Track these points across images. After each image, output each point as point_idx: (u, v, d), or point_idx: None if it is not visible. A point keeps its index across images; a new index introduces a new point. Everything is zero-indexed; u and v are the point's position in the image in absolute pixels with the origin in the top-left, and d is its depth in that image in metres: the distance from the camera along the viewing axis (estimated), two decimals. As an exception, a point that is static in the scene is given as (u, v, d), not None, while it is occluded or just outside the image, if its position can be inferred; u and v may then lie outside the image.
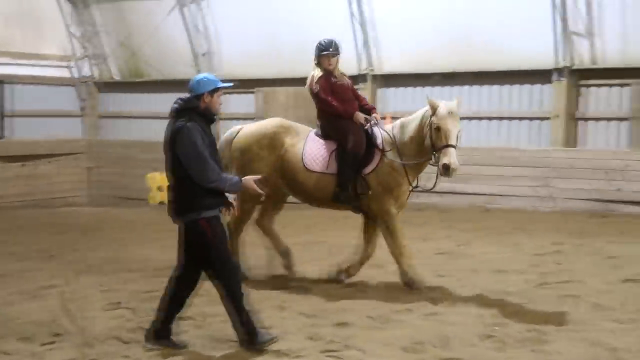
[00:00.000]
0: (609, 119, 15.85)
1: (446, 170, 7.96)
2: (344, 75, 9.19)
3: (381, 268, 9.58)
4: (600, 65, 15.73)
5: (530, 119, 16.69)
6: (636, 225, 13.56)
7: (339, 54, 9.04)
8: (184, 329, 6.85)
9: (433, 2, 16.92)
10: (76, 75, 23.27)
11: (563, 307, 7.70)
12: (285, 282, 9.09)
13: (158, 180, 19.39)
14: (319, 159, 8.78)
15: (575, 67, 15.89)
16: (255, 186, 6.21)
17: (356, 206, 8.91)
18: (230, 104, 20.71)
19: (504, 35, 16.28)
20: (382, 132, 8.83)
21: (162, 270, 9.81)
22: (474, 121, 17.26)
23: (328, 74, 8.88)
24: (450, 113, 8.06)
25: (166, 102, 21.43)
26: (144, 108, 22.42)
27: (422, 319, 7.31)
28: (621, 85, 15.53)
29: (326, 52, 8.88)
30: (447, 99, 18.55)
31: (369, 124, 8.78)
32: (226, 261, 6.15)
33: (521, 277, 9.25)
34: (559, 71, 15.87)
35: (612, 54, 15.63)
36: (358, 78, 17.98)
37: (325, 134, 8.95)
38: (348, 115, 8.75)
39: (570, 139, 16.10)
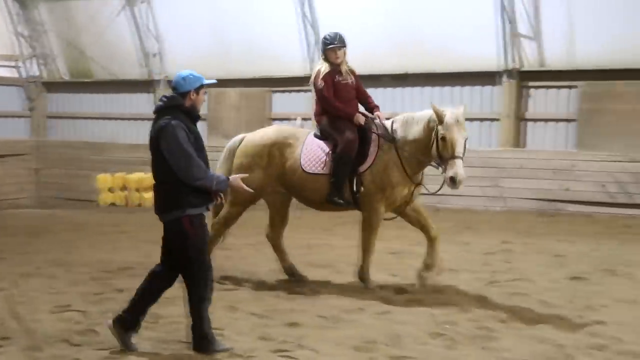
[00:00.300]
0: (556, 120, 16.12)
1: (453, 183, 7.86)
2: (351, 72, 8.89)
3: (331, 267, 9.60)
4: (547, 67, 15.99)
5: (480, 120, 16.88)
6: (583, 224, 13.84)
7: (345, 47, 8.76)
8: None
9: (382, 4, 17.00)
10: (24, 75, 22.95)
11: (512, 305, 7.81)
12: (237, 282, 9.02)
13: (109, 182, 19.20)
14: (315, 160, 8.61)
15: (522, 69, 16.15)
16: (242, 185, 6.10)
17: (357, 205, 8.75)
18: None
19: (453, 38, 16.45)
20: (381, 128, 8.63)
21: (113, 272, 9.77)
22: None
23: (333, 71, 8.66)
24: (457, 122, 7.85)
25: (115, 102, 21.53)
26: (93, 109, 22.17)
27: (373, 318, 7.32)
28: (568, 87, 15.81)
29: (332, 45, 8.67)
30: (398, 100, 18.83)
31: (366, 124, 8.62)
32: (202, 263, 6.06)
33: (472, 276, 9.34)
34: (507, 73, 16.10)
35: (558, 56, 15.90)
36: (309, 78, 18.01)
37: (324, 135, 8.77)
38: (348, 117, 8.57)
39: (518, 140, 16.33)
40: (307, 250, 11.27)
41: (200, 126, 19.91)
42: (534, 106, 16.33)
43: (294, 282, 8.94)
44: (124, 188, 19.30)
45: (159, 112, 6.05)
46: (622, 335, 6.64)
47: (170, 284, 6.32)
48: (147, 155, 16.90)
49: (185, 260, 6.03)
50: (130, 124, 21.60)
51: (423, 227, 8.84)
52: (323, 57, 8.83)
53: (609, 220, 14.06)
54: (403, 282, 8.91)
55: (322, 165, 8.54)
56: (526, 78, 16.27)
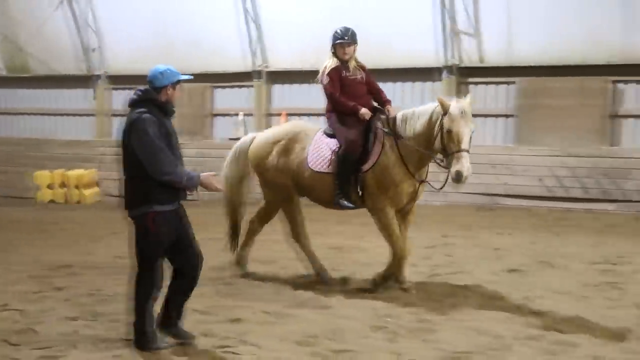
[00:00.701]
0: (495, 116, 16.35)
1: (459, 177, 7.50)
2: (360, 67, 8.53)
3: (274, 263, 9.58)
4: (486, 63, 16.18)
5: (420, 114, 17.00)
6: (521, 217, 14.08)
7: (355, 43, 8.41)
8: (73, 329, 6.68)
9: (323, 0, 16.99)
10: (-41, 70, 22.36)
11: (452, 298, 7.91)
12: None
13: (47, 178, 18.84)
14: (321, 158, 8.32)
15: (462, 65, 16.33)
16: (214, 183, 5.96)
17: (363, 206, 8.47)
18: (123, 99, 20.34)
19: (395, 34, 16.56)
20: (385, 124, 8.26)
21: (52, 271, 9.56)
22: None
23: (340, 66, 8.33)
24: (463, 113, 7.44)
25: (53, 98, 21.06)
26: (31, 104, 21.69)
27: (315, 313, 7.31)
28: (506, 83, 16.05)
29: (341, 40, 8.32)
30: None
31: (371, 119, 8.25)
32: (149, 261, 5.93)
33: (413, 270, 9.35)
34: (448, 69, 16.26)
35: (497, 53, 16.14)
36: (252, 75, 17.95)
37: (332, 132, 8.44)
38: (353, 112, 8.17)
39: (459, 135, 16.49)
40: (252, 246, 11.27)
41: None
42: (474, 101, 16.49)
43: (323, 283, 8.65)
44: (63, 185, 18.98)
45: (133, 105, 5.91)
46: (558, 326, 6.79)
47: (180, 276, 6.23)
48: (87, 152, 16.81)
49: (139, 255, 5.94)
50: (69, 119, 21.26)
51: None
52: (332, 51, 8.46)
53: (546, 214, 14.35)
54: (345, 277, 8.92)
55: (328, 163, 8.26)
56: (465, 74, 16.49)
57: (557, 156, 15.07)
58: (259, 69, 18.19)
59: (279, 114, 18.32)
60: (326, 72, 8.35)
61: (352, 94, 8.29)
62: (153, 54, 19.06)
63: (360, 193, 8.21)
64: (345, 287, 8.47)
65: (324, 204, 8.87)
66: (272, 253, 9.65)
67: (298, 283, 8.64)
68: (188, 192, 6.03)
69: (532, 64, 15.52)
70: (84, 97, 20.82)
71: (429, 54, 16.39)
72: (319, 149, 8.37)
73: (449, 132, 7.46)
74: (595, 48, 14.94)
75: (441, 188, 8.34)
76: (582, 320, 6.98)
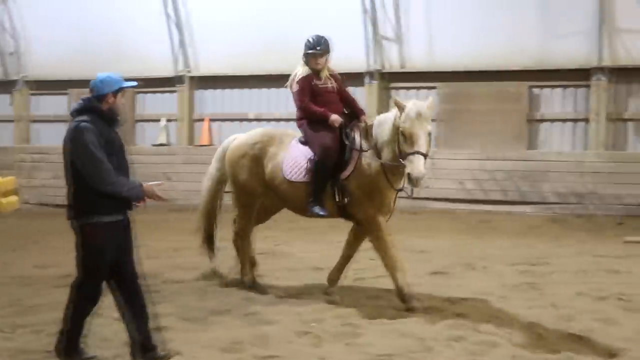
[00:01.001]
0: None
1: (410, 180, 7.12)
2: (332, 76, 8.32)
3: (197, 270, 9.47)
4: (409, 69, 16.38)
5: (347, 120, 17.10)
6: (443, 220, 14.29)
7: (328, 53, 8.18)
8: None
9: (247, 5, 16.95)
10: None
11: (376, 301, 7.98)
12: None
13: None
14: (296, 167, 8.07)
15: (385, 70, 16.49)
16: (157, 193, 5.71)
17: (343, 215, 8.27)
18: (42, 105, 19.86)
19: (322, 39, 16.56)
20: (360, 133, 8.01)
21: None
22: (291, 123, 17.48)
23: (311, 75, 8.14)
24: (419, 115, 7.09)
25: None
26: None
27: (240, 319, 7.29)
28: (428, 88, 16.26)
29: (312, 51, 8.12)
30: (265, 104, 18.77)
31: (341, 126, 8.00)
32: (91, 272, 5.72)
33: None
34: (371, 74, 16.40)
35: (419, 59, 16.32)
36: (175, 80, 17.76)
37: (304, 140, 8.23)
38: (323, 119, 7.92)
39: (382, 140, 16.65)
40: (173, 253, 11.14)
41: (62, 128, 19.33)
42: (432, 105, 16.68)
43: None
44: (-20, 193, 18.39)
45: (74, 114, 5.73)
46: (479, 327, 6.92)
47: (125, 288, 5.96)
48: (5, 158, 16.34)
49: (81, 265, 5.74)
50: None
51: (351, 246, 8.59)
52: (304, 59, 8.26)
53: (468, 216, 14.60)
54: (270, 283, 8.91)
55: (303, 172, 8.02)
56: (389, 79, 16.64)
57: (478, 159, 15.36)
58: (182, 74, 18.01)
59: (202, 120, 18.19)
60: (296, 80, 8.21)
61: (323, 102, 8.10)
62: (75, 59, 18.72)
63: (344, 201, 7.93)
64: (270, 292, 8.43)
65: (298, 212, 8.70)
66: (195, 260, 9.54)
67: (222, 290, 8.58)
68: (135, 203, 5.82)
69: (453, 70, 15.78)
70: (2, 102, 20.22)
71: (353, 59, 16.41)
72: (295, 158, 8.13)
73: (403, 133, 7.17)
74: (513, 54, 15.30)
75: (411, 195, 7.96)
76: (502, 321, 7.12)
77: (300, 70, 8.24)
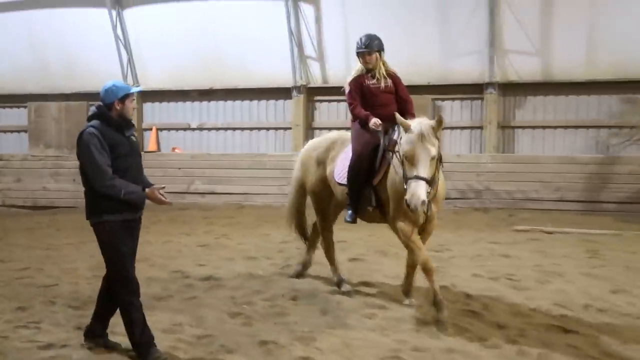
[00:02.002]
0: (338, 128, 16.51)
1: (408, 207, 5.90)
2: (390, 76, 7.22)
3: (145, 261, 9.23)
4: (329, 84, 16.39)
5: (276, 129, 17.06)
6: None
7: (376, 51, 7.10)
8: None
9: (187, 27, 16.72)
10: None
11: (302, 285, 7.93)
12: (57, 278, 8.46)
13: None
14: (343, 170, 7.18)
15: (310, 85, 16.49)
16: (159, 196, 5.30)
17: (384, 221, 7.17)
18: (3, 117, 19.20)
19: (252, 57, 16.52)
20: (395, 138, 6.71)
21: None
22: (229, 131, 17.38)
23: (362, 75, 7.14)
24: (421, 137, 5.87)
25: None
26: None
27: (181, 303, 7.18)
28: (345, 100, 16.26)
29: (358, 50, 7.15)
30: (204, 113, 18.56)
31: (381, 130, 6.91)
32: (115, 269, 5.36)
33: (269, 262, 9.39)
34: (297, 89, 16.39)
35: (338, 75, 16.33)
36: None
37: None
38: (364, 121, 6.94)
39: (308, 145, 16.67)
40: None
41: (23, 138, 18.60)
42: (320, 116, 16.75)
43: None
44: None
45: (88, 120, 5.44)
46: (387, 304, 6.97)
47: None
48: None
49: (106, 261, 5.42)
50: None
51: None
52: (359, 61, 7.26)
53: (382, 210, 14.63)
54: (209, 271, 8.74)
55: (346, 175, 7.14)
56: (313, 93, 16.65)
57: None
58: (129, 88, 17.62)
59: (150, 129, 17.88)
60: (347, 82, 7.29)
61: (374, 103, 7.07)
62: (31, 75, 18.21)
63: (377, 207, 6.99)
64: (208, 280, 8.29)
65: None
66: (144, 252, 9.32)
67: (166, 278, 8.41)
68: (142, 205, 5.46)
69: (368, 85, 15.88)
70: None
71: (281, 75, 16.42)
72: (343, 161, 7.24)
73: (404, 156, 6.01)
74: (419, 71, 15.45)
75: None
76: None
77: (354, 71, 7.31)
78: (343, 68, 16.11)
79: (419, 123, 6.00)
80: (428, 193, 5.86)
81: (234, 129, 17.29)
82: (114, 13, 17.17)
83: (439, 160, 6.16)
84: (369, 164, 6.89)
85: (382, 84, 7.08)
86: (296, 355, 5.51)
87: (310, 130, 16.70)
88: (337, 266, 7.97)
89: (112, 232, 5.27)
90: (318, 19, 16.11)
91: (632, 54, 14.19)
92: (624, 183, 14.14)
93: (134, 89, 5.55)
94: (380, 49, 7.15)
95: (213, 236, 11.85)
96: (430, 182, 5.94)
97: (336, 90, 16.39)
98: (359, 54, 7.17)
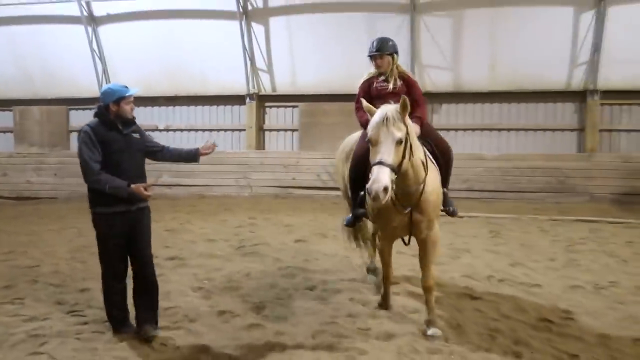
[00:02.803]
0: (285, 130, 16.55)
1: (369, 195, 4.43)
2: (403, 78, 5.88)
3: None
4: (278, 92, 16.33)
5: (232, 130, 16.89)
6: (305, 203, 14.33)
7: (388, 54, 5.86)
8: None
9: (153, 41, 16.40)
10: None
11: (253, 263, 7.89)
12: (39, 260, 8.21)
13: None
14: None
15: (261, 93, 16.38)
16: (142, 191, 4.85)
17: None
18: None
19: (211, 69, 16.33)
20: None
21: None
22: (191, 132, 17.13)
23: (372, 78, 5.95)
24: (385, 120, 4.60)
25: None
26: None
27: (150, 280, 7.06)
28: (292, 106, 16.30)
29: (371, 53, 5.94)
30: (170, 117, 18.26)
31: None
32: (103, 254, 5.07)
33: (226, 244, 9.32)
34: (250, 96, 16.26)
35: (285, 85, 16.34)
36: (99, 99, 16.93)
37: None
38: (364, 125, 5.47)
39: (260, 144, 16.58)
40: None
41: (9, 137, 17.89)
42: (270, 120, 16.64)
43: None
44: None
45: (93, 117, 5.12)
46: (327, 278, 7.00)
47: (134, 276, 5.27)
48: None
49: (98, 249, 5.12)
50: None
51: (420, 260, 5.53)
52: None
53: (323, 200, 14.71)
54: (174, 252, 8.62)
55: None
56: (264, 100, 16.53)
57: (328, 158, 15.47)
58: (105, 95, 17.19)
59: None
60: (359, 84, 6.11)
61: (381, 105, 5.16)
62: (13, 83, 17.65)
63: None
64: (174, 260, 8.18)
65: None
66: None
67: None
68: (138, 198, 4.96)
69: (310, 93, 15.84)
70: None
71: (237, 84, 16.26)
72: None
73: (368, 140, 4.74)
74: (352, 82, 15.42)
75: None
76: (344, 273, 7.26)
77: (365, 74, 6.14)
78: (288, 78, 16.15)
79: (384, 107, 4.74)
80: (392, 181, 4.46)
81: (196, 130, 17.04)
82: (89, 29, 16.67)
83: (410, 148, 4.73)
84: (365, 167, 5.17)
85: (391, 86, 5.82)
86: (249, 322, 5.49)
87: (261, 132, 16.60)
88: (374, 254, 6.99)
89: (101, 222, 4.98)
90: (267, 37, 15.97)
91: (526, 70, 14.58)
92: (521, 175, 14.52)
93: (129, 92, 5.07)
94: (394, 52, 5.96)
95: (178, 222, 11.69)
96: (397, 169, 4.55)
97: (283, 98, 16.51)
98: (370, 58, 6.01)
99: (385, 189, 4.36)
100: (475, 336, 5.11)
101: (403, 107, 4.67)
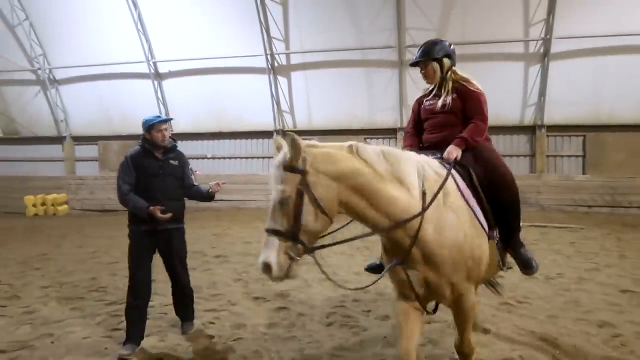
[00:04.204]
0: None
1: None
2: (458, 89, 3.48)
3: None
4: (298, 128, 16.40)
5: (262, 157, 16.93)
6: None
7: (434, 59, 3.53)
8: (45, 294, 5.98)
9: (204, 90, 16.60)
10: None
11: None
12: (114, 258, 8.19)
13: (32, 201, 17.02)
14: None
15: (284, 129, 16.47)
16: (158, 214, 4.20)
17: None
18: (81, 151, 18.76)
19: (247, 111, 16.48)
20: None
21: (32, 257, 8.58)
22: (232, 160, 17.23)
23: (424, 94, 3.70)
24: (274, 173, 2.72)
25: (35, 150, 18.69)
26: (21, 154, 19.41)
27: (201, 273, 7.02)
28: (308, 139, 16.22)
29: (413, 62, 3.66)
30: (216, 149, 18.40)
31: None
32: (130, 269, 4.38)
33: (259, 245, 9.24)
34: (276, 131, 16.36)
35: (303, 123, 16.44)
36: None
37: None
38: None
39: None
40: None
41: (94, 165, 18.02)
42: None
43: None
44: (43, 204, 17.12)
45: None
46: (338, 270, 6.89)
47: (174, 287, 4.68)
48: (61, 183, 15.00)
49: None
50: (45, 164, 19.12)
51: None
52: None
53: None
54: (219, 252, 8.61)
55: None
56: (286, 134, 16.56)
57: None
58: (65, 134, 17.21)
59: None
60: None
61: (430, 125, 3.56)
62: (98, 123, 17.84)
63: None
64: (219, 257, 8.11)
65: None
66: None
67: (189, 256, 8.21)
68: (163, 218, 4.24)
69: (321, 129, 15.90)
70: (56, 150, 18.96)
71: (266, 123, 16.37)
72: None
73: None
74: (354, 120, 15.62)
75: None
76: (350, 268, 7.12)
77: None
78: (305, 117, 16.25)
79: (282, 151, 2.73)
80: (288, 254, 2.59)
81: (235, 157, 17.13)
82: (155, 83, 16.90)
83: (316, 203, 2.61)
84: None
85: (440, 102, 3.50)
86: (277, 305, 5.48)
87: (285, 159, 16.65)
88: None
89: (130, 238, 4.38)
90: (289, 86, 16.11)
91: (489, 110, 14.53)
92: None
93: (156, 120, 4.42)
94: (445, 55, 3.53)
95: (221, 228, 11.72)
96: (291, 235, 2.59)
97: (302, 132, 16.45)
98: (413, 66, 3.64)
99: (267, 267, 2.57)
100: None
101: (292, 148, 2.61)
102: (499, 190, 3.19)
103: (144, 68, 16.74)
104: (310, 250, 2.65)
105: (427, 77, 3.61)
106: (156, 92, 17.00)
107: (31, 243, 10.24)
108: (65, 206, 17.26)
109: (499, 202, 3.16)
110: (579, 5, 13.44)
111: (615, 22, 13.27)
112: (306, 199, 2.59)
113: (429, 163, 2.97)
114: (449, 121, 3.42)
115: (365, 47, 15.07)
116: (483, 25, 14.07)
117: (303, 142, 2.67)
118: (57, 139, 18.86)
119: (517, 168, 14.71)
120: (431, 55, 3.54)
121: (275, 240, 2.59)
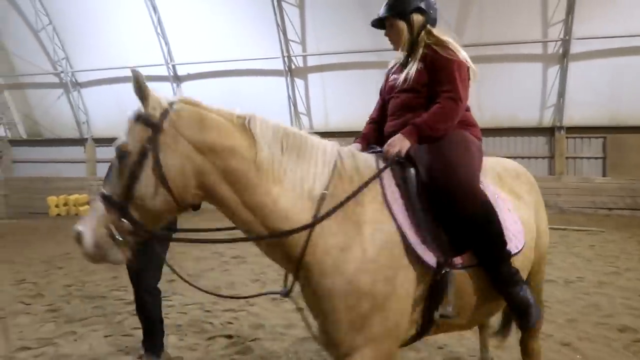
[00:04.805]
0: (320, 159, 16.66)
1: None
2: (425, 55, 2.36)
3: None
4: (315, 130, 16.31)
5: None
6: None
7: (397, 16, 2.44)
8: (68, 292, 6.10)
9: (222, 91, 16.67)
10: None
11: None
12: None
13: (55, 201, 17.39)
14: None
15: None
16: None
17: None
18: (106, 153, 19.03)
19: (264, 113, 15.91)
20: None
21: (56, 256, 8.75)
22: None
23: (393, 66, 2.69)
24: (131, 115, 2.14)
25: (58, 152, 19.11)
26: (42, 156, 19.87)
27: (219, 274, 7.10)
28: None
29: (373, 22, 2.58)
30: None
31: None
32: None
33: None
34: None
35: (320, 125, 16.49)
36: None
37: None
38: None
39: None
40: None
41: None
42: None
43: None
44: (65, 204, 17.47)
45: None
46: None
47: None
48: (83, 184, 15.35)
49: None
50: (67, 165, 19.54)
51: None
52: None
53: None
54: (237, 253, 8.64)
55: None
56: (303, 136, 16.68)
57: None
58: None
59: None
60: None
61: (392, 108, 2.58)
62: (116, 126, 18.07)
63: None
64: (237, 258, 8.19)
65: None
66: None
67: (208, 256, 8.28)
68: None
69: (339, 130, 15.85)
70: (78, 151, 19.34)
71: (286, 123, 16.41)
72: None
73: None
74: (363, 121, 15.60)
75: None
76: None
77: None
78: (322, 119, 16.28)
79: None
80: (109, 229, 1.98)
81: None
82: (174, 85, 17.14)
83: (159, 171, 1.96)
84: None
85: (402, 76, 2.51)
86: (293, 306, 5.49)
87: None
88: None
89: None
90: (306, 88, 16.19)
91: (506, 112, 14.42)
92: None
93: None
94: (415, 10, 2.46)
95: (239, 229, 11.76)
96: (118, 205, 1.97)
97: (319, 134, 16.42)
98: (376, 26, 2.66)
99: (79, 235, 2.01)
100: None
101: (138, 90, 2.13)
102: (454, 201, 2.11)
103: (163, 71, 16.96)
104: (143, 234, 1.90)
105: (392, 41, 2.56)
106: (175, 95, 17.17)
107: (54, 243, 10.43)
108: (87, 206, 17.57)
109: (458, 217, 2.11)
110: (598, 6, 13.23)
111: (635, 23, 13.04)
112: (149, 163, 1.91)
113: (355, 158, 2.17)
114: (409, 102, 2.40)
115: (381, 49, 15.02)
116: (501, 27, 13.94)
117: (166, 95, 2.02)
118: (79, 141, 19.23)
119: (536, 170, 14.53)
120: (396, 10, 2.46)
121: (101, 208, 1.95)
